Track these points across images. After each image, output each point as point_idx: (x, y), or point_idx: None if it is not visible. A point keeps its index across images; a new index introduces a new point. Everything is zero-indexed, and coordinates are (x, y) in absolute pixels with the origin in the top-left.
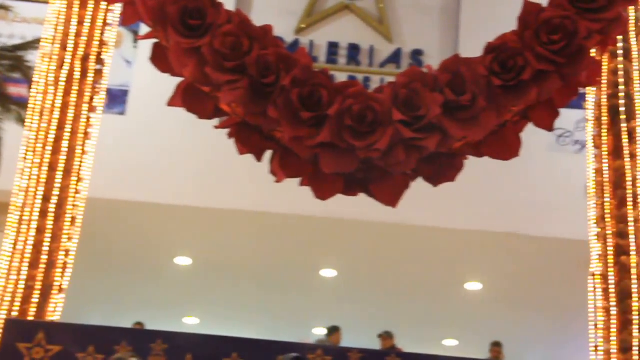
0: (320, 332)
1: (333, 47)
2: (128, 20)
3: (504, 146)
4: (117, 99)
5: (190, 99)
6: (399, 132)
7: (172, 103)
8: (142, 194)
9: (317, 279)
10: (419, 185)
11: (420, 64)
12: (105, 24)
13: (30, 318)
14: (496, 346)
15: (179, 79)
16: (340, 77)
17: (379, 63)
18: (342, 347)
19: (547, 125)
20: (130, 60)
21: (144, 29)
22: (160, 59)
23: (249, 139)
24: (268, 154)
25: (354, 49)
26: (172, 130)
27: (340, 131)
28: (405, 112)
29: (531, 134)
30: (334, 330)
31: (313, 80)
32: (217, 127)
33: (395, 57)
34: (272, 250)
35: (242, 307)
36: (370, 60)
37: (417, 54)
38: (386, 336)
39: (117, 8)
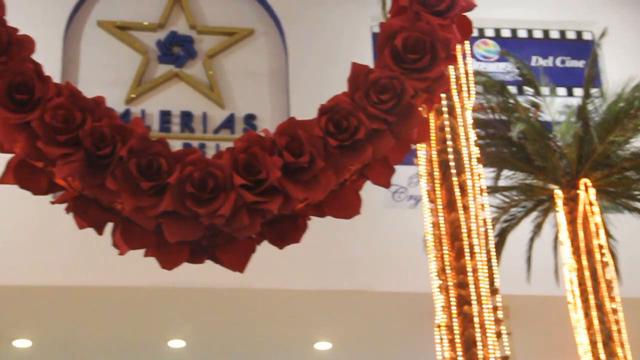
0: None
1: (165, 115)
2: None
3: (344, 205)
4: None
5: (23, 175)
6: (241, 197)
7: (3, 181)
8: None
9: (165, 350)
10: (264, 248)
11: (254, 128)
12: None
13: None
14: None
15: (8, 156)
16: (175, 144)
17: (213, 129)
18: None
19: (384, 182)
20: None
21: None
22: None
23: (88, 212)
24: (109, 227)
25: (186, 116)
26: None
27: (182, 199)
28: (246, 177)
29: (367, 191)
30: None
31: (151, 150)
32: (53, 203)
33: (228, 123)
34: (118, 324)
35: None
36: (204, 127)
37: (250, 119)
38: None
39: None
